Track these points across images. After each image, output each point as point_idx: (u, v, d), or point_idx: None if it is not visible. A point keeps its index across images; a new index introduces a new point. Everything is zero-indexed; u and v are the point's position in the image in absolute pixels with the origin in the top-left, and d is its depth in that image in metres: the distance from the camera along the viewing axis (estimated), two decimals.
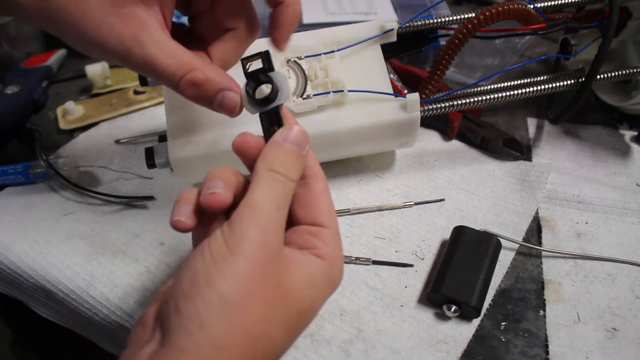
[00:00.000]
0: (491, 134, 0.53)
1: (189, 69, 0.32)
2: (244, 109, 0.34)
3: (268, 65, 0.33)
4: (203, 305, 0.25)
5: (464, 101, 0.47)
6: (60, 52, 0.71)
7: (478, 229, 0.44)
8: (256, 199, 0.28)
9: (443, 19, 0.48)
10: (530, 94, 0.48)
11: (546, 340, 0.39)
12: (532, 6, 0.47)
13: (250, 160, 0.32)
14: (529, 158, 0.53)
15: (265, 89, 0.33)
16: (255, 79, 0.33)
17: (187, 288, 0.26)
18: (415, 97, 0.45)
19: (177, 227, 0.29)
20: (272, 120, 0.33)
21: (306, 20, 0.64)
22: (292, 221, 0.32)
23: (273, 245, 0.27)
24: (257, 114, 0.33)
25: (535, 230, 0.47)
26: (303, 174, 0.32)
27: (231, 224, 0.27)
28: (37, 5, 0.30)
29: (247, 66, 0.34)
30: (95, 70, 0.64)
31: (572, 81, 0.48)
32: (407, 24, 0.48)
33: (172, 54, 0.31)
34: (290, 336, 0.29)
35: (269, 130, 0.33)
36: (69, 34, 0.31)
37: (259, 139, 0.32)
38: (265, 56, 0.33)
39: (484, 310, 0.40)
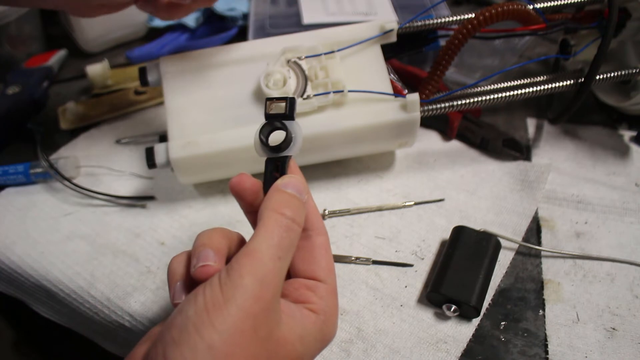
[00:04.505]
0: (491, 134, 0.53)
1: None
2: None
3: (290, 113, 0.33)
4: (190, 354, 0.24)
5: (463, 101, 0.47)
6: (61, 53, 0.71)
7: (478, 229, 0.44)
8: (258, 245, 0.27)
9: (443, 20, 0.48)
10: (530, 94, 0.48)
11: (545, 339, 0.39)
12: (531, 7, 0.47)
13: (245, 202, 0.33)
14: (528, 158, 0.53)
15: (280, 135, 0.33)
16: (273, 123, 0.33)
17: (176, 335, 0.25)
18: (415, 97, 0.45)
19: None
20: (276, 167, 0.33)
21: (306, 20, 0.64)
22: (289, 272, 0.32)
23: (268, 298, 0.26)
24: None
25: (534, 230, 0.47)
26: (305, 225, 0.32)
27: (229, 270, 0.27)
28: None
29: (270, 108, 0.33)
30: (96, 70, 0.64)
31: (572, 81, 0.48)
32: (407, 25, 0.48)
33: None
34: None
35: (271, 176, 0.33)
36: None
37: (255, 181, 0.32)
38: (290, 103, 0.33)
39: (483, 310, 0.40)
